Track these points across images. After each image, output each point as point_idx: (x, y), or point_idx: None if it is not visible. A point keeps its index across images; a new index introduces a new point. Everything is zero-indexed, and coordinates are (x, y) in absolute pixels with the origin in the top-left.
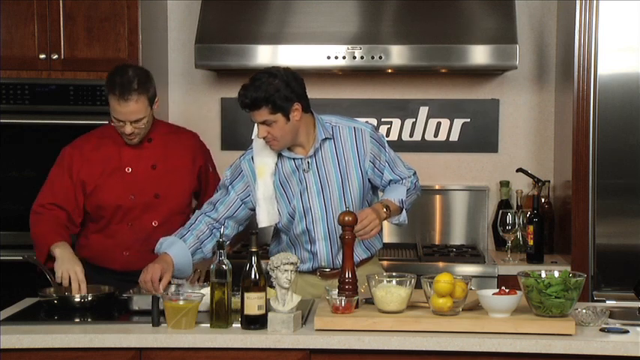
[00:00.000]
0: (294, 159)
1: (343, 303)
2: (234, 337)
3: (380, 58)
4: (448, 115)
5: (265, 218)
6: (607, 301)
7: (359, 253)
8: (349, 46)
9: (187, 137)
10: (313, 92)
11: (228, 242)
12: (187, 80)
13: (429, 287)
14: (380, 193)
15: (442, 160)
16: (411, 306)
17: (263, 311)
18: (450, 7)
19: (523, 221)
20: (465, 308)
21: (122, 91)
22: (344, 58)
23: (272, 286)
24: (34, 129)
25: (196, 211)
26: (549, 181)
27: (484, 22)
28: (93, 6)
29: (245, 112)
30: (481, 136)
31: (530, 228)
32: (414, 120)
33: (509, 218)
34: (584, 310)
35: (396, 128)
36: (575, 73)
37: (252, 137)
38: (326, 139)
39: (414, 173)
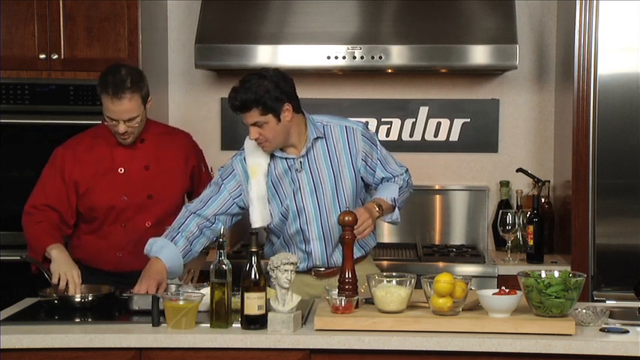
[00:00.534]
0: (286, 159)
1: (343, 303)
2: (234, 337)
3: (380, 58)
4: (448, 115)
5: (258, 218)
6: (607, 301)
7: (354, 252)
8: (349, 46)
9: (180, 138)
10: (313, 92)
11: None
12: (187, 80)
13: (429, 287)
14: (372, 192)
15: (442, 160)
16: (411, 306)
17: (263, 311)
18: (450, 7)
19: (523, 221)
20: (465, 308)
21: (115, 90)
22: (344, 58)
23: (272, 287)
24: (34, 129)
25: (185, 208)
26: (549, 181)
27: (484, 22)
28: (93, 6)
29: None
30: (481, 136)
31: (530, 228)
32: (414, 120)
33: (509, 218)
34: (584, 310)
35: (396, 128)
36: (575, 73)
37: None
38: (318, 138)
39: (406, 170)
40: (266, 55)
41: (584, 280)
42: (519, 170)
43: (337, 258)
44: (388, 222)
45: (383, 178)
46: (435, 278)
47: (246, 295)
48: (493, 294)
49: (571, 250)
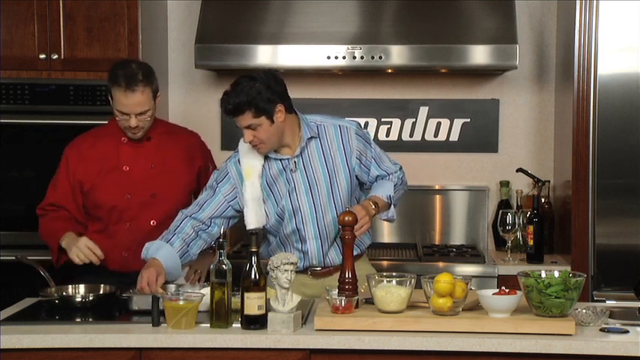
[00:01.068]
0: (280, 160)
1: (343, 303)
2: (234, 337)
3: (380, 58)
4: (448, 115)
5: (253, 220)
6: (607, 301)
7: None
8: (349, 46)
9: (187, 137)
10: (313, 92)
11: (212, 242)
12: (187, 80)
13: (429, 287)
14: (367, 190)
15: (442, 160)
16: (411, 306)
17: (263, 311)
18: (450, 7)
19: (523, 221)
20: (465, 308)
21: (128, 83)
22: (344, 58)
23: (272, 286)
24: (34, 129)
25: (181, 212)
26: (549, 181)
27: (484, 22)
28: (93, 6)
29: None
30: (481, 136)
31: (530, 228)
32: (414, 120)
33: (509, 218)
34: (584, 310)
35: (396, 128)
36: (575, 73)
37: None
38: (312, 138)
39: (400, 168)
40: (266, 55)
41: (584, 280)
42: (519, 170)
43: (333, 257)
44: (384, 219)
45: (377, 176)
46: (435, 278)
47: (246, 295)
48: (493, 294)
49: (571, 250)
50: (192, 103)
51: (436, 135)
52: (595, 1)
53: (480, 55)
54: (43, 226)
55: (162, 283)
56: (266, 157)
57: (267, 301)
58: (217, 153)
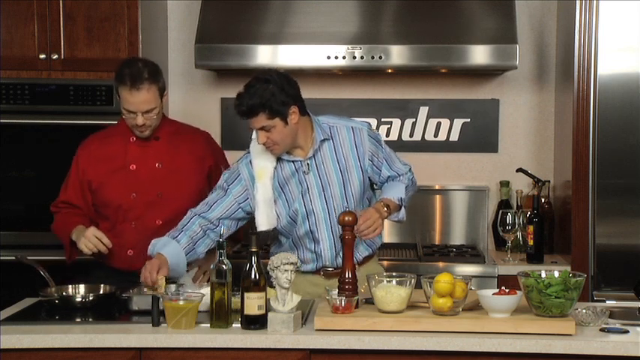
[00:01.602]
0: (293, 161)
1: (343, 303)
2: (234, 337)
3: (380, 58)
4: (448, 115)
5: (265, 221)
6: (607, 301)
7: (361, 252)
8: (349, 46)
9: (196, 137)
10: (313, 92)
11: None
12: (187, 80)
13: (429, 287)
14: (377, 191)
15: (442, 160)
16: (411, 306)
17: (263, 311)
18: (450, 7)
19: (523, 221)
20: (465, 308)
21: (133, 81)
22: (344, 58)
23: (272, 286)
24: (34, 129)
25: (190, 210)
26: (549, 181)
27: (484, 22)
28: (93, 6)
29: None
30: (481, 136)
31: (530, 228)
32: (414, 120)
33: (509, 218)
34: (584, 310)
35: (396, 128)
36: (575, 73)
37: (252, 140)
38: (324, 139)
39: (410, 169)
40: (266, 55)
41: (584, 280)
42: (519, 170)
43: None
44: (394, 220)
45: (388, 177)
46: (435, 278)
47: (246, 295)
48: (493, 294)
49: (571, 250)
50: (192, 103)
51: (436, 135)
52: (595, 1)
53: (479, 55)
54: (56, 222)
55: (165, 275)
56: (278, 159)
57: (267, 301)
58: None
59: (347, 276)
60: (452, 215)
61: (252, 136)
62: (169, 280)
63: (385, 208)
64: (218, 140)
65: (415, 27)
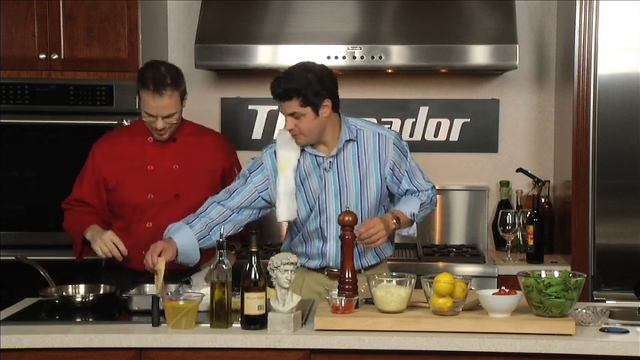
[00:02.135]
0: (316, 156)
1: (343, 303)
2: (234, 337)
3: (380, 58)
4: (448, 115)
5: (285, 213)
6: (607, 301)
7: (368, 259)
8: (349, 46)
9: (211, 139)
10: None
11: (241, 228)
12: (187, 80)
13: (429, 287)
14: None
15: (442, 160)
16: (411, 306)
17: (263, 311)
18: (450, 7)
19: (523, 221)
20: (465, 308)
21: (156, 86)
22: (344, 58)
23: (272, 286)
24: (34, 129)
25: (210, 197)
26: (549, 181)
27: (484, 22)
28: (93, 6)
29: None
30: (481, 136)
31: (530, 228)
32: (414, 120)
33: (509, 218)
34: (584, 310)
35: (396, 128)
36: (575, 73)
37: (279, 131)
38: (350, 140)
39: (433, 187)
40: (266, 55)
41: (584, 280)
42: (519, 170)
43: None
44: (404, 235)
45: (407, 191)
46: (435, 278)
47: (246, 295)
48: (493, 294)
49: (571, 250)
50: (192, 103)
51: (436, 135)
52: (595, 1)
53: (479, 55)
54: (68, 219)
55: (167, 259)
56: (302, 151)
57: (267, 301)
58: None
59: (347, 276)
60: (452, 215)
61: (280, 127)
62: (182, 266)
63: (394, 220)
64: None
65: (415, 27)
